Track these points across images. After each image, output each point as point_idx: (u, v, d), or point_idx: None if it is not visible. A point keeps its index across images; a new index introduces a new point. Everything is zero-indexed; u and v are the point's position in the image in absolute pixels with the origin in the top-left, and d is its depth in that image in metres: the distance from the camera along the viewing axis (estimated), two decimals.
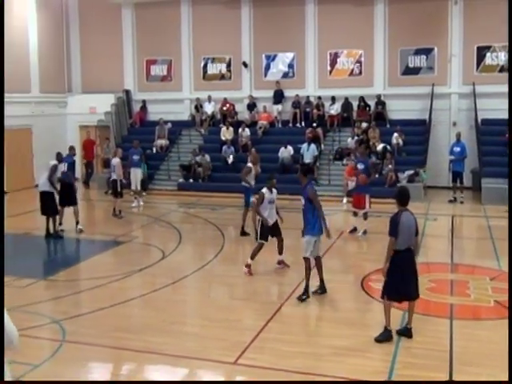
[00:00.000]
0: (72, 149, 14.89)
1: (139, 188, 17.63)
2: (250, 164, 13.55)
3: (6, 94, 19.85)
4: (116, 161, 15.81)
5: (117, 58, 23.19)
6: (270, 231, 10.45)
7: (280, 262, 10.78)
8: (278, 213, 10.66)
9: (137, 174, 17.49)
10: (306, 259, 9.07)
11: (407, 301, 7.45)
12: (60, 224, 13.85)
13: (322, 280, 9.23)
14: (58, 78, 23.07)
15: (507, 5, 16.94)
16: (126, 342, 7.45)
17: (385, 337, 7.30)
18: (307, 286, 9.00)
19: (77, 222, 13.96)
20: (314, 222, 9.02)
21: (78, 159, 21.44)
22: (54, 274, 10.66)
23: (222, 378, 6.75)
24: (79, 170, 21.64)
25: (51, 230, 13.39)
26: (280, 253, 10.73)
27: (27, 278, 10.31)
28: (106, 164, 20.65)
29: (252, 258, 10.40)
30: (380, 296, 7.58)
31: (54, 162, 13.72)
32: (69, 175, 13.85)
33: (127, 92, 23.20)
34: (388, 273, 7.29)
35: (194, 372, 6.81)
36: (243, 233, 13.32)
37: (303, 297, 8.91)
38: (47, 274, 10.71)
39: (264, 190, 10.42)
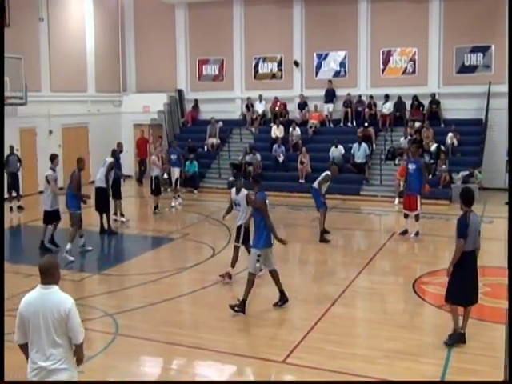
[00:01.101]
0: (119, 145, 15.39)
1: (177, 187, 17.78)
2: (328, 172, 12.96)
3: (64, 93, 20.61)
4: (152, 158, 15.98)
5: (170, 58, 23.58)
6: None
7: (224, 275, 9.88)
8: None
9: (174, 173, 17.69)
10: (251, 274, 8.42)
11: (470, 306, 7.23)
12: (122, 215, 14.81)
13: (281, 292, 8.68)
14: (114, 77, 23.64)
15: None
16: (176, 338, 7.57)
17: (455, 340, 7.11)
18: (244, 301, 8.32)
19: (122, 214, 14.83)
20: (260, 234, 8.38)
21: (132, 157, 22.01)
22: (107, 268, 10.93)
23: (270, 377, 6.77)
24: (133, 168, 22.20)
25: (105, 226, 13.73)
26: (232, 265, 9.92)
27: (82, 272, 10.65)
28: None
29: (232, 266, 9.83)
30: (444, 300, 7.38)
31: (111, 159, 14.17)
32: (116, 171, 14.37)
33: (180, 91, 23.55)
34: (453, 275, 7.09)
35: (244, 369, 6.86)
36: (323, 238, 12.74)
37: (236, 308, 8.25)
38: (101, 268, 10.99)
39: (232, 189, 10.04)
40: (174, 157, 17.91)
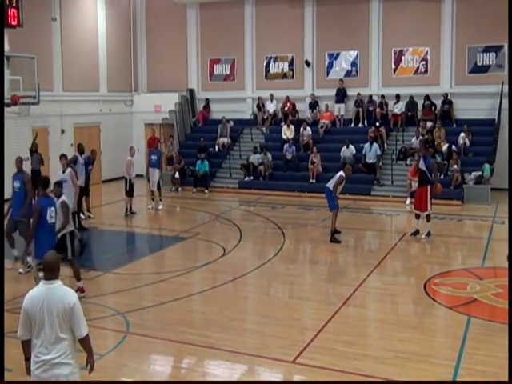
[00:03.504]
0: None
1: (155, 189, 16.97)
2: (343, 173, 12.78)
3: (76, 93, 20.74)
4: (128, 159, 15.79)
5: (181, 58, 23.64)
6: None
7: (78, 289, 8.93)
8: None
9: (154, 175, 16.92)
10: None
11: None
12: (131, 209, 15.74)
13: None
14: (125, 77, 23.74)
15: None
16: (187, 337, 7.60)
17: None
18: None
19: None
20: (40, 240, 8.14)
21: (143, 156, 22.08)
22: (119, 267, 10.97)
23: (280, 376, 6.77)
24: (143, 167, 22.26)
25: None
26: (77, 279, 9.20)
27: (94, 271, 10.70)
28: (170, 161, 21.13)
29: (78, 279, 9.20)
30: None
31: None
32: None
33: (191, 91, 23.60)
34: None
35: (254, 369, 6.86)
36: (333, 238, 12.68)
37: None
38: (113, 267, 11.03)
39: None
40: (154, 157, 17.07)
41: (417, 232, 13.00)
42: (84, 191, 14.70)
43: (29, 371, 4.76)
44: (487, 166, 17.50)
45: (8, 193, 11.00)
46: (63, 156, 12.25)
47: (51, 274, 4.68)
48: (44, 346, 4.57)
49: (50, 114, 19.21)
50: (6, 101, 13.91)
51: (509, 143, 16.27)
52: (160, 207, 16.81)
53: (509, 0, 16.09)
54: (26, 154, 18.29)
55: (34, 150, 16.97)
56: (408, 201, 16.78)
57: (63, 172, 11.63)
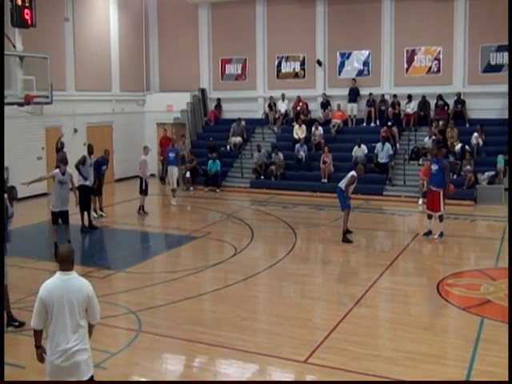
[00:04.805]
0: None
1: (175, 186, 17.68)
2: (354, 173, 12.75)
3: (89, 93, 20.86)
4: (142, 158, 16.02)
5: (193, 58, 23.68)
6: None
7: None
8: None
9: (173, 172, 17.58)
10: None
11: None
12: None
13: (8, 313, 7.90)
14: (138, 76, 23.83)
15: None
16: (198, 335, 7.62)
17: None
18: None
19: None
20: None
21: (155, 156, 22.16)
22: (131, 266, 11.02)
23: (292, 376, 6.76)
24: (156, 166, 22.36)
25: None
26: None
27: (106, 270, 10.76)
28: (182, 160, 21.15)
29: None
30: None
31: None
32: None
33: (203, 90, 23.64)
34: None
35: (265, 369, 6.86)
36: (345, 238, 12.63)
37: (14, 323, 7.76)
38: (125, 266, 11.08)
39: None
40: (172, 155, 17.74)
41: (429, 232, 12.92)
42: (96, 191, 14.80)
43: (40, 358, 4.94)
44: (500, 157, 17.29)
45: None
46: (63, 159, 12.08)
47: (66, 265, 4.84)
48: (63, 334, 4.71)
49: (62, 113, 19.35)
50: (19, 100, 14.02)
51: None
52: (174, 203, 17.28)
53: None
54: (38, 153, 18.53)
55: (60, 148, 17.10)
56: (420, 201, 16.69)
57: (63, 174, 11.58)
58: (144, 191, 15.85)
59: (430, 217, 12.99)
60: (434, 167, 12.88)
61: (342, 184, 12.63)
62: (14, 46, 14.34)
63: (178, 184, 17.89)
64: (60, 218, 11.65)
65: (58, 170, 11.67)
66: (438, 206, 12.66)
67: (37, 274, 9.87)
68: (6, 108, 14.58)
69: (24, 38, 15.07)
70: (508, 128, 16.57)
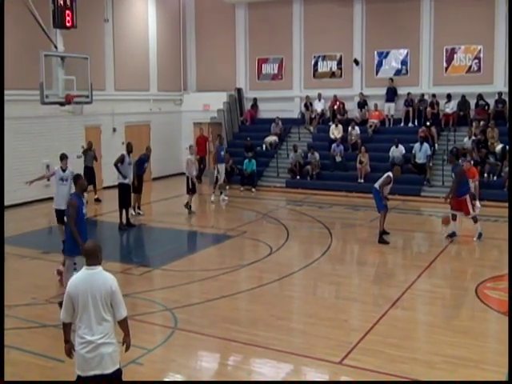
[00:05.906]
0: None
1: (223, 181, 18.27)
2: (390, 174, 12.62)
3: (127, 92, 21.17)
4: (188, 157, 16.27)
5: (230, 57, 23.79)
6: None
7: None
8: None
9: (221, 169, 18.14)
10: None
11: None
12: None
13: None
14: (175, 76, 24.08)
15: None
16: (233, 334, 7.64)
17: None
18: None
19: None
20: (69, 239, 8.21)
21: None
22: (167, 263, 11.13)
23: (326, 377, 6.72)
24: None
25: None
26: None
27: (143, 267, 10.90)
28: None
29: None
30: None
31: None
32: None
33: (239, 90, 23.72)
34: None
35: (300, 369, 6.84)
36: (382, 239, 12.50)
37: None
38: (161, 263, 11.20)
39: None
40: (222, 153, 18.34)
41: (453, 234, 12.64)
42: (136, 189, 14.98)
43: (68, 353, 5.10)
44: None
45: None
46: (65, 156, 12.02)
47: (92, 260, 4.96)
48: (88, 327, 4.84)
49: (102, 112, 19.70)
50: (60, 100, 14.28)
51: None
52: (225, 198, 18.02)
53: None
54: (78, 151, 18.88)
55: (88, 149, 17.49)
56: None
57: (64, 171, 11.27)
58: (191, 190, 16.06)
59: (454, 218, 12.68)
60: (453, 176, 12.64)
61: (377, 184, 12.50)
62: (56, 47, 14.62)
63: (225, 180, 18.50)
64: (64, 215, 11.56)
65: (58, 167, 11.49)
66: (467, 209, 12.34)
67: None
68: (48, 107, 15.08)
69: (65, 39, 15.35)
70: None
